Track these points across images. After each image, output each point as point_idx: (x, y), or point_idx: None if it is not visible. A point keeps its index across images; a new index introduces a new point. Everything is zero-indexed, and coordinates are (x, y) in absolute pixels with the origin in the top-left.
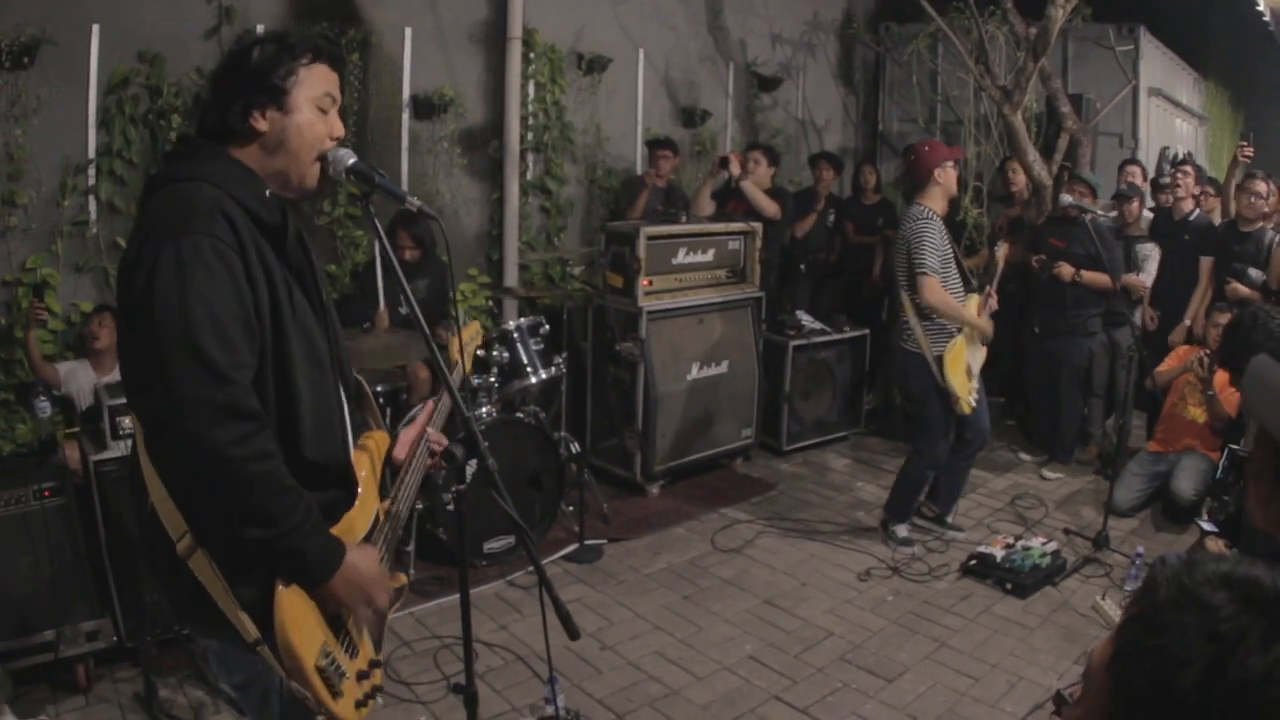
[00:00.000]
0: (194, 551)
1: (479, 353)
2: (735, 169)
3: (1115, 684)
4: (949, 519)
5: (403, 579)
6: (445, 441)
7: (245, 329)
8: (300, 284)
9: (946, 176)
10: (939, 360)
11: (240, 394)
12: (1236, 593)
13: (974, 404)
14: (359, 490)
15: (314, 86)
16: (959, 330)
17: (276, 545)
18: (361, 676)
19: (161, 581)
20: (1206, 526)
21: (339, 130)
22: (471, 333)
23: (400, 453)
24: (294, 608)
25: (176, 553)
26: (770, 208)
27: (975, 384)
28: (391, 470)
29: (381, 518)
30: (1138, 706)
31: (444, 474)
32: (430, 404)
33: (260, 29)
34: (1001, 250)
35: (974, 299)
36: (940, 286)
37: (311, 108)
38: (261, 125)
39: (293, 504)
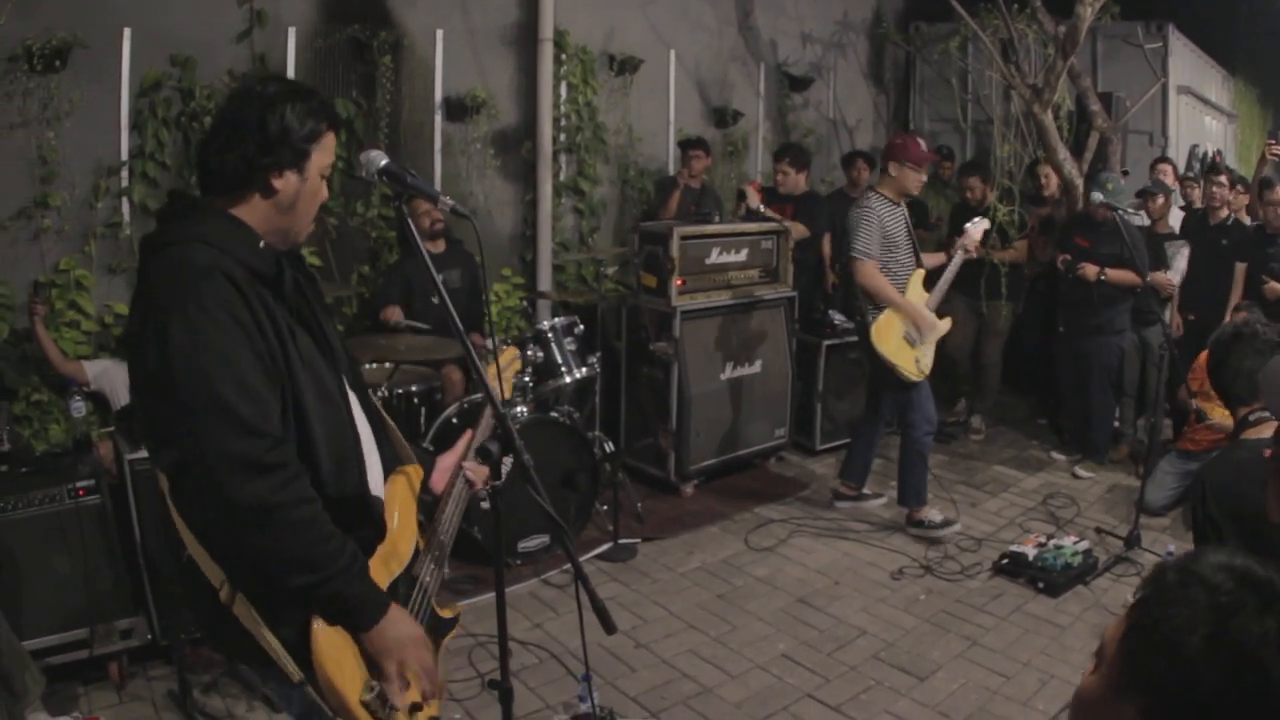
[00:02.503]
0: (235, 597)
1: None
2: (753, 201)
3: (1129, 651)
4: (866, 491)
5: (459, 608)
6: (485, 474)
7: (265, 378)
8: (304, 325)
9: (902, 175)
10: (869, 333)
11: (272, 444)
12: (1235, 574)
13: (923, 370)
14: (389, 524)
15: (326, 155)
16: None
17: (322, 589)
18: (414, 709)
19: (206, 627)
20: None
21: (325, 196)
22: (508, 358)
23: (438, 482)
24: (332, 646)
25: (220, 600)
26: (797, 232)
27: (921, 351)
28: (432, 499)
29: (421, 549)
30: (1149, 670)
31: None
32: (469, 433)
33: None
34: (978, 226)
35: (919, 274)
36: (873, 271)
37: (318, 176)
38: (279, 185)
39: (338, 548)
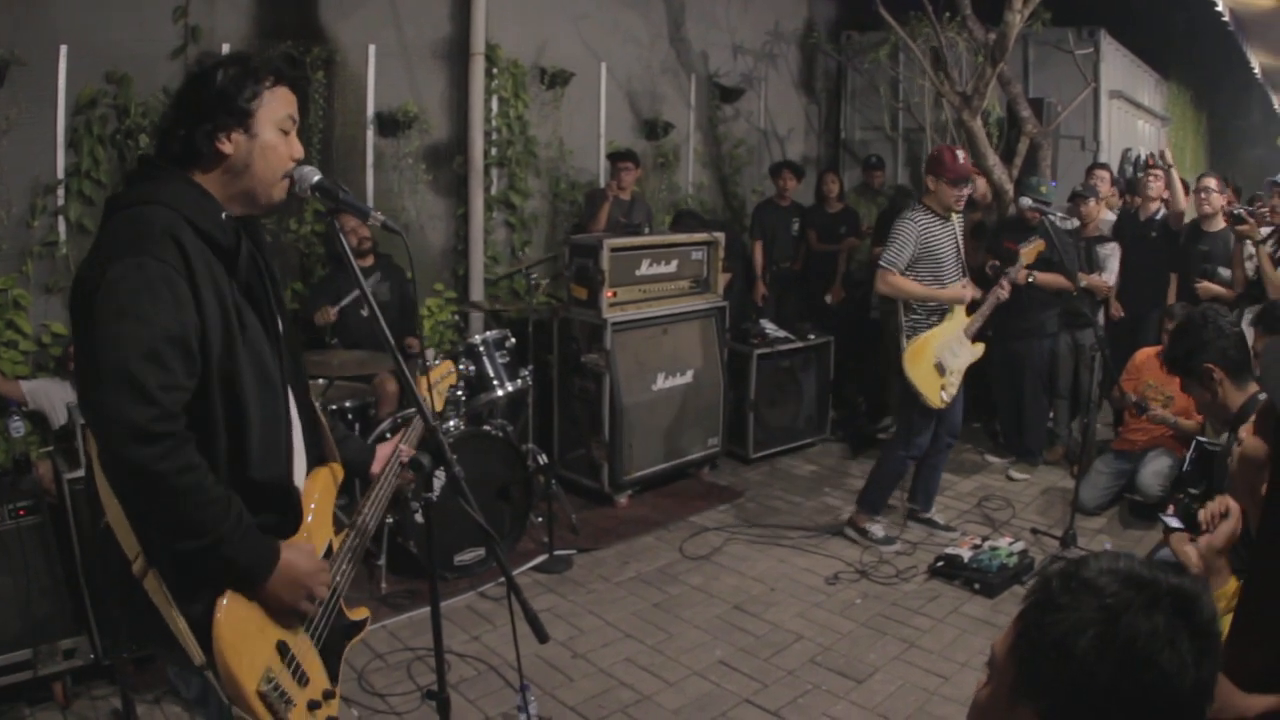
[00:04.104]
0: (146, 572)
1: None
2: None
3: (1020, 660)
4: (935, 518)
5: (365, 612)
6: (414, 452)
7: (182, 352)
8: (253, 305)
9: (938, 190)
10: (902, 354)
11: (161, 414)
12: (1119, 576)
13: (945, 400)
14: (306, 518)
15: (276, 109)
16: (935, 323)
17: (211, 554)
18: (313, 706)
19: (116, 598)
20: (1172, 523)
21: (299, 151)
22: (442, 372)
23: (376, 468)
24: (234, 632)
25: (132, 572)
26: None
27: (949, 380)
28: (366, 483)
29: (335, 548)
30: (1043, 674)
31: (413, 485)
32: (404, 428)
33: (226, 48)
34: (1033, 247)
35: (955, 286)
36: (894, 279)
37: (274, 130)
38: (227, 148)
39: (221, 512)
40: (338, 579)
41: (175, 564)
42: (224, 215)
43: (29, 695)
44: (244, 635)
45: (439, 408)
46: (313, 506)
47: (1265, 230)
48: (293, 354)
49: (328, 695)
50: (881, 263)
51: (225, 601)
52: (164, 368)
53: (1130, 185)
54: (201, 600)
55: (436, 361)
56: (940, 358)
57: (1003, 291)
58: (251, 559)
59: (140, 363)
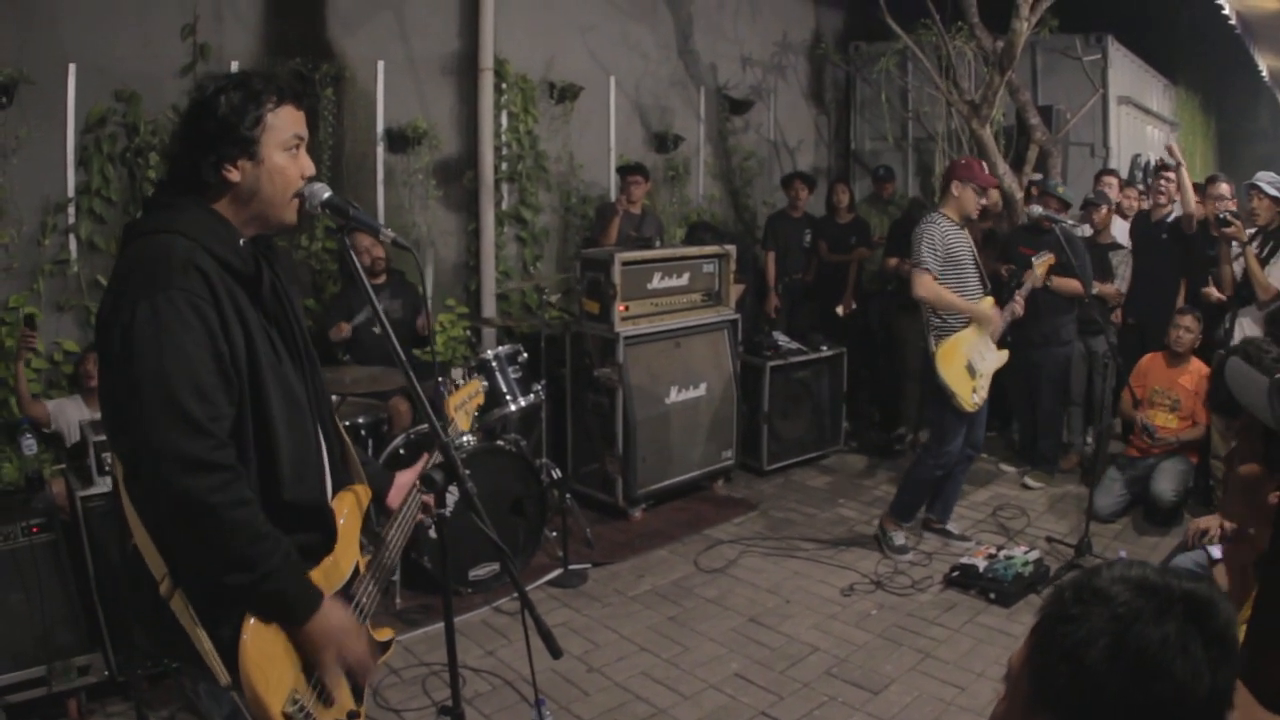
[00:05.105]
0: (174, 593)
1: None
2: None
3: (1035, 673)
4: (950, 527)
5: (389, 633)
6: (431, 501)
7: (222, 380)
8: (278, 329)
9: (963, 195)
10: (933, 355)
11: (216, 445)
12: (1130, 584)
13: (976, 403)
14: (338, 536)
15: (282, 131)
16: (963, 326)
17: (258, 589)
18: None
19: (144, 620)
20: (1216, 554)
21: (309, 169)
22: (469, 392)
23: (395, 499)
24: (260, 654)
25: (159, 593)
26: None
27: (979, 383)
28: (382, 515)
29: (361, 570)
30: (1056, 686)
31: (431, 522)
32: (426, 455)
33: (234, 66)
34: (1044, 260)
35: (987, 302)
36: (931, 281)
37: (281, 152)
38: (234, 177)
39: (271, 548)
40: (363, 599)
41: (204, 587)
42: (241, 241)
43: (43, 712)
44: (269, 656)
45: (465, 427)
46: (340, 524)
47: (1250, 231)
48: (315, 376)
49: (352, 716)
50: (915, 264)
51: (252, 622)
52: (209, 400)
53: (1132, 187)
54: (228, 622)
55: (463, 380)
56: (970, 359)
57: (1018, 308)
58: (297, 596)
59: (188, 396)
